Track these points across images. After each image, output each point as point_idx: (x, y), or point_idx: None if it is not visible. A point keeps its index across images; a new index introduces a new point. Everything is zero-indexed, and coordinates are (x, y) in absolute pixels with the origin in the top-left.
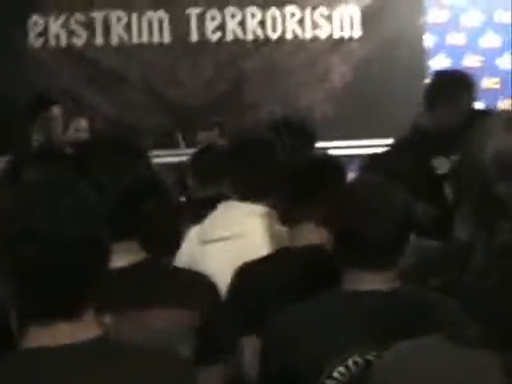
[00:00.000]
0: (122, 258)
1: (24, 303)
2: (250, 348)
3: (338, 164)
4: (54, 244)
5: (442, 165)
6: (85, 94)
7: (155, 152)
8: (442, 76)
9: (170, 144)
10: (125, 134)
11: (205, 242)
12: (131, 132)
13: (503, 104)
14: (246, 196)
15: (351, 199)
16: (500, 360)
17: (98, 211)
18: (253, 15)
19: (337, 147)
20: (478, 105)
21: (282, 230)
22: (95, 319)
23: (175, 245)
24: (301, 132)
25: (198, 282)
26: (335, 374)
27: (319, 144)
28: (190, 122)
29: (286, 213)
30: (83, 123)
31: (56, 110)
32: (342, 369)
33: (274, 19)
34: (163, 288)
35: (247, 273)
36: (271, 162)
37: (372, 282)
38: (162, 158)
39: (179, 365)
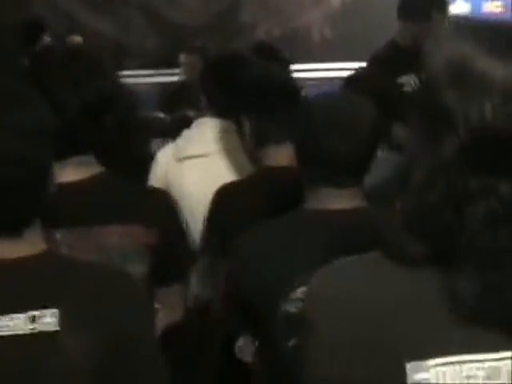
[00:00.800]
0: (79, 172)
1: None
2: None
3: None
4: None
5: (408, 82)
6: (80, 14)
7: (147, 71)
8: None
9: (163, 63)
10: (119, 54)
11: (180, 159)
12: (129, 52)
13: (489, 5)
14: (219, 112)
15: (313, 116)
16: (438, 278)
17: (39, 127)
18: None
19: (335, 69)
20: (464, 7)
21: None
22: (41, 236)
23: (141, 161)
24: (273, 57)
25: (157, 199)
26: (298, 295)
27: (317, 65)
28: (188, 42)
29: (257, 132)
30: (78, 40)
31: (46, 40)
32: (305, 289)
33: None
34: (119, 203)
35: (226, 195)
36: (244, 78)
37: (335, 200)
38: (154, 77)
39: (125, 280)
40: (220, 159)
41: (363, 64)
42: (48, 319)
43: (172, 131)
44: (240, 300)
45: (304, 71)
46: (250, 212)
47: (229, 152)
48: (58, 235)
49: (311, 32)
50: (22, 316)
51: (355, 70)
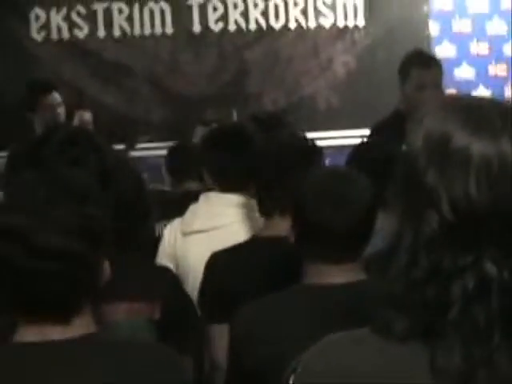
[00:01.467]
0: None
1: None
2: (221, 336)
3: (310, 147)
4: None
5: None
6: (88, 87)
7: (157, 144)
8: (409, 57)
9: (173, 136)
10: (127, 126)
11: (186, 234)
12: (136, 124)
13: (510, 90)
14: (225, 187)
15: (311, 189)
16: (425, 353)
17: (91, 225)
18: (255, 4)
19: (341, 137)
20: (485, 92)
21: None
22: (90, 319)
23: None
24: (269, 125)
25: (160, 275)
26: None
27: (323, 133)
28: (194, 113)
29: (260, 203)
30: (87, 116)
31: (57, 96)
32: None
33: (276, 8)
34: (124, 282)
35: (217, 261)
36: (247, 150)
37: (334, 275)
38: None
39: (169, 356)
40: (226, 234)
41: (368, 131)
42: None
43: (177, 206)
44: (244, 372)
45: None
46: (242, 278)
47: (235, 226)
48: None
49: (317, 100)
50: None
51: (360, 142)
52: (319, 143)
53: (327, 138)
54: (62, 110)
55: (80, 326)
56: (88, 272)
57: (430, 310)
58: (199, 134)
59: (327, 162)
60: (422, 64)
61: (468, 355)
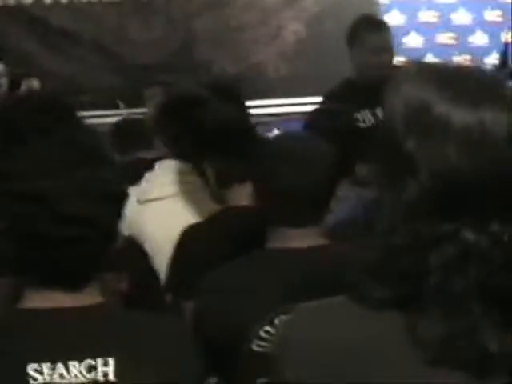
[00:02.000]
0: None
1: (23, 270)
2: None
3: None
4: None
5: (365, 117)
6: (35, 54)
7: (99, 112)
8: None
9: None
10: (76, 93)
11: (142, 202)
12: (84, 91)
13: (457, 59)
14: (179, 154)
15: (272, 153)
16: (404, 322)
17: (109, 190)
18: None
19: (290, 104)
20: (433, 61)
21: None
22: (100, 289)
23: None
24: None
25: (127, 246)
26: (262, 334)
27: (272, 101)
28: (143, 80)
29: (220, 174)
30: (35, 83)
31: (0, 66)
32: (268, 328)
33: None
34: None
35: (188, 237)
36: (201, 117)
37: (295, 239)
38: (106, 118)
39: (183, 335)
40: (182, 201)
41: (318, 99)
42: (105, 369)
43: (127, 174)
44: (205, 341)
45: (259, 107)
46: (214, 252)
47: (190, 194)
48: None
49: (266, 68)
50: (77, 364)
51: (313, 109)
52: (268, 111)
53: (276, 106)
54: (4, 81)
55: (90, 295)
56: (108, 238)
57: (408, 279)
58: (147, 96)
59: (276, 129)
60: (372, 28)
61: (449, 325)
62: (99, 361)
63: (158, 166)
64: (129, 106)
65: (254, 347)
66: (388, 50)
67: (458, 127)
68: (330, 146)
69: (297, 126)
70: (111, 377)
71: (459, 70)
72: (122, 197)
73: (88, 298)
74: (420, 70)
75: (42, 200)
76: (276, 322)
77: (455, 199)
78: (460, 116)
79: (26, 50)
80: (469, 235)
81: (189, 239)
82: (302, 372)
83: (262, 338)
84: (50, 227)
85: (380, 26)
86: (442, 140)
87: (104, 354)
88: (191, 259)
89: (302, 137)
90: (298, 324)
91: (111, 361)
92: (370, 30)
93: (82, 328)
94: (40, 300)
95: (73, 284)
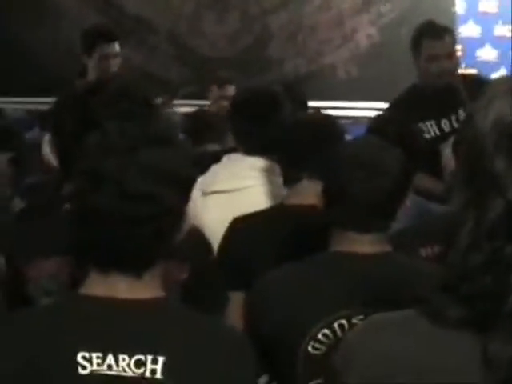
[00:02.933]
0: None
1: (85, 251)
2: (236, 303)
3: (336, 124)
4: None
5: (429, 128)
6: None
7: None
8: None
9: (192, 95)
10: (147, 82)
11: (206, 193)
12: (152, 80)
13: None
14: (248, 150)
15: (343, 158)
16: (476, 343)
17: (180, 171)
18: None
19: (359, 108)
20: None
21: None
22: (160, 281)
23: None
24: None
25: (192, 236)
26: (320, 337)
27: (341, 103)
28: (213, 74)
29: (285, 171)
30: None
31: (117, 46)
32: (327, 331)
33: None
34: None
35: (239, 227)
36: (275, 116)
37: (360, 244)
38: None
39: (239, 338)
40: (246, 196)
41: (387, 104)
42: (154, 366)
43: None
44: (261, 338)
45: (328, 109)
46: (261, 245)
47: (256, 189)
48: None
49: (337, 70)
50: (127, 358)
51: (378, 115)
52: (337, 113)
53: (345, 108)
54: (116, 62)
55: (149, 286)
56: (174, 221)
57: (486, 299)
58: (214, 93)
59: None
60: (433, 35)
61: None
62: (149, 357)
63: (225, 158)
64: (196, 98)
65: (310, 349)
66: (450, 57)
67: None
68: (401, 154)
69: (363, 131)
70: (159, 375)
71: None
72: (190, 181)
73: (147, 289)
74: (509, 86)
75: (106, 177)
76: (335, 326)
77: None
78: None
79: None
80: None
81: (234, 231)
82: None
83: (319, 341)
84: (114, 204)
85: (442, 33)
86: None
87: (155, 351)
88: (235, 250)
89: (378, 143)
90: (366, 336)
91: (161, 359)
92: (431, 37)
93: (136, 322)
94: (99, 287)
95: (134, 268)
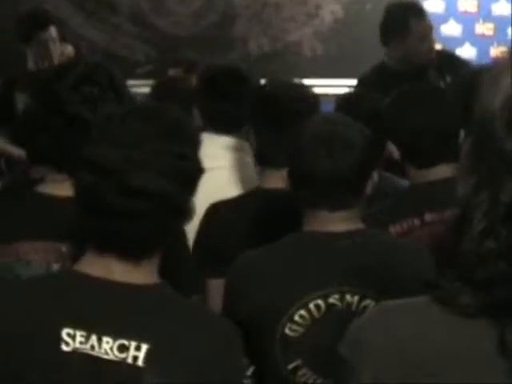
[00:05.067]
0: None
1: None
2: (216, 290)
3: (314, 97)
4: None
5: None
6: (70, 21)
7: (138, 81)
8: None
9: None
10: (107, 61)
11: None
12: (118, 61)
13: (496, 51)
14: (218, 128)
15: (306, 134)
16: (493, 331)
17: (185, 168)
18: None
19: (324, 85)
20: (471, 51)
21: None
22: (156, 268)
23: None
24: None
25: None
26: (297, 318)
27: (307, 81)
28: (177, 52)
29: (260, 152)
30: (69, 50)
31: (54, 32)
32: (303, 312)
33: None
34: None
35: (216, 214)
36: (244, 93)
37: (332, 222)
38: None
39: (230, 329)
40: (217, 176)
41: (352, 81)
42: (136, 353)
43: None
44: (239, 322)
45: None
46: (238, 231)
47: (227, 169)
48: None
49: (302, 48)
50: (111, 341)
51: (346, 92)
52: None
53: (311, 86)
54: (55, 46)
55: (146, 272)
56: (175, 215)
57: (502, 285)
58: (171, 75)
59: None
60: (419, 15)
61: None
62: (133, 343)
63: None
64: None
65: (287, 331)
66: (432, 36)
67: None
68: (366, 129)
69: (329, 108)
70: (140, 362)
71: None
72: (198, 174)
73: (143, 274)
74: None
75: (109, 171)
76: (311, 306)
77: None
78: None
79: (63, 16)
80: None
81: (212, 218)
82: (380, 376)
83: (296, 322)
84: (115, 198)
85: (423, 13)
86: None
87: (140, 337)
88: (213, 237)
89: (339, 119)
90: (378, 323)
91: (145, 346)
92: (418, 16)
93: (125, 306)
94: (94, 267)
95: (133, 255)
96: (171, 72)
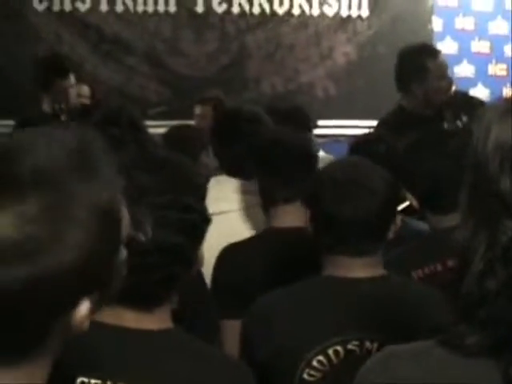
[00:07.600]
0: None
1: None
2: (232, 332)
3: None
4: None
5: None
6: (86, 61)
7: (153, 122)
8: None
9: (170, 115)
10: (126, 103)
11: None
12: (133, 101)
13: (509, 91)
14: (229, 171)
15: (329, 179)
16: (497, 370)
17: (192, 220)
18: None
19: (336, 126)
20: (484, 91)
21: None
22: (169, 313)
23: None
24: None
25: None
26: (315, 363)
27: (319, 122)
28: (192, 93)
29: (267, 192)
30: (85, 90)
31: (72, 78)
32: (321, 357)
33: None
34: None
35: (230, 256)
36: (254, 135)
37: (352, 268)
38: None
39: (240, 371)
40: (236, 218)
41: (364, 122)
42: None
43: None
44: (256, 365)
45: None
46: (254, 273)
47: (245, 211)
48: None
49: (315, 88)
50: None
51: (364, 134)
52: (315, 131)
53: (323, 127)
54: (74, 91)
55: (159, 318)
56: (183, 266)
57: (504, 323)
58: (197, 112)
59: (322, 150)
60: (435, 54)
61: None
62: None
63: (212, 181)
64: (175, 118)
65: (306, 376)
66: (449, 74)
67: None
68: (387, 174)
69: (342, 149)
70: None
71: None
72: (205, 225)
73: (156, 321)
74: (508, 108)
75: None
76: (329, 352)
77: None
78: None
79: (79, 57)
80: None
81: (226, 260)
82: None
83: (314, 368)
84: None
85: (438, 52)
86: None
87: (154, 383)
88: (229, 280)
89: (360, 163)
90: (380, 366)
91: None
92: (434, 57)
93: (139, 352)
94: (107, 315)
95: (141, 305)
96: (197, 110)
